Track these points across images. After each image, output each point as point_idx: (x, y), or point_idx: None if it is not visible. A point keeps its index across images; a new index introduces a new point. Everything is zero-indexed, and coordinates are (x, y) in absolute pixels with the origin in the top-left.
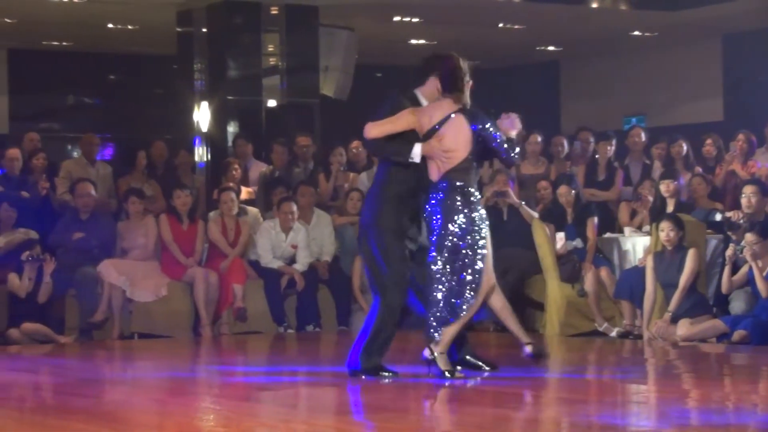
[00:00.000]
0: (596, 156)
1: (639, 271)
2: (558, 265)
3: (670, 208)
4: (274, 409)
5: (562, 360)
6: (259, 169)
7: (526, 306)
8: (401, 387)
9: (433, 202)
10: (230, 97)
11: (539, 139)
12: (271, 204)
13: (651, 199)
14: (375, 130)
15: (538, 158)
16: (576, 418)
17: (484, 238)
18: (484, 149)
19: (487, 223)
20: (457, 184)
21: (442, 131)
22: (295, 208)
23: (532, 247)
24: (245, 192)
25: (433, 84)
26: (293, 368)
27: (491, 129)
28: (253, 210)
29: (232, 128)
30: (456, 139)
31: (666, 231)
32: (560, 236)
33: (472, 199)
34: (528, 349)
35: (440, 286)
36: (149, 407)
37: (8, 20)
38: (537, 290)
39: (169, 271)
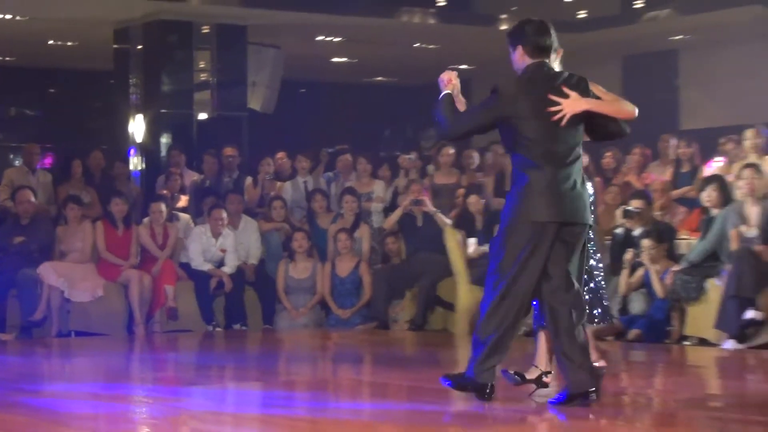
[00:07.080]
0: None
1: None
2: (469, 268)
3: None
4: (203, 402)
5: None
6: (190, 178)
7: (438, 306)
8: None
9: None
10: (164, 111)
11: (451, 151)
12: (202, 211)
13: None
14: None
15: (450, 169)
16: None
17: None
18: None
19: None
20: None
21: None
22: (224, 214)
23: (445, 252)
24: (184, 200)
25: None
26: (222, 365)
27: None
28: (185, 216)
29: (165, 139)
30: None
31: None
32: (472, 241)
33: None
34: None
35: None
36: (85, 400)
37: None
38: (448, 292)
39: (105, 273)
